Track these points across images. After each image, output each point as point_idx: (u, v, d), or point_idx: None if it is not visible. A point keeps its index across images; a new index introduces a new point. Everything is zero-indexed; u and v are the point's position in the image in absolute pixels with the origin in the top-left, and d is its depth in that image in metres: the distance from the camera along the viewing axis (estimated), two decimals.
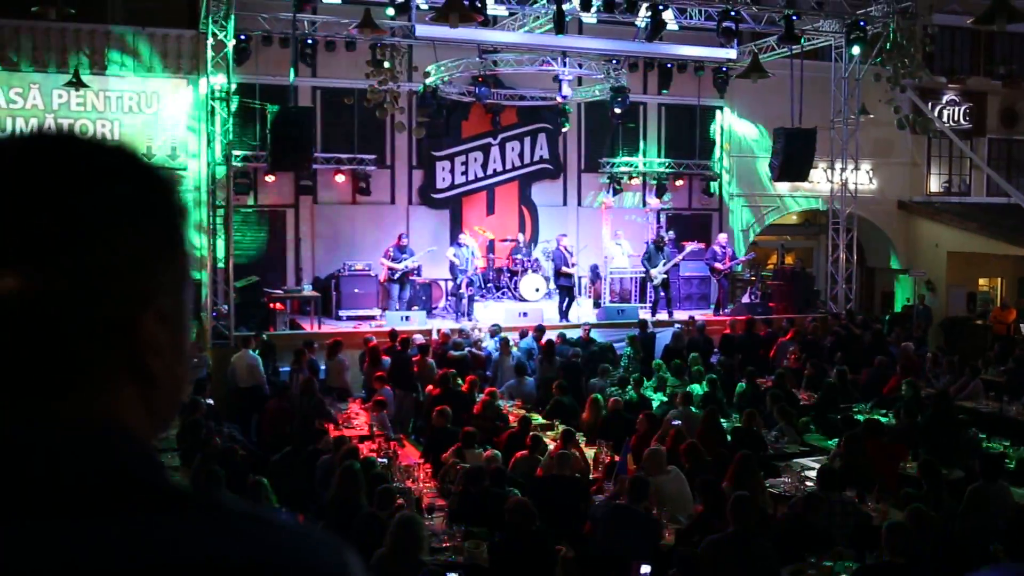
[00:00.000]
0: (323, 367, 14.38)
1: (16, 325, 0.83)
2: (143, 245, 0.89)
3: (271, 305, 16.96)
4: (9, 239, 0.83)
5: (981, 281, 23.69)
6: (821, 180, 21.14)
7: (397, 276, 17.44)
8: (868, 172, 22.44)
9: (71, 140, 0.89)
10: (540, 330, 15.69)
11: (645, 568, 6.25)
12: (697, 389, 12.79)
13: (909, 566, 6.29)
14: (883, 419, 11.87)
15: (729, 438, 10.74)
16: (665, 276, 18.54)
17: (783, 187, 21.54)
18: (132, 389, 0.89)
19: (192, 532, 0.83)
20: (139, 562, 0.79)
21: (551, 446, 9.73)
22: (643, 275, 19.39)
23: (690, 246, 19.63)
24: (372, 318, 17.24)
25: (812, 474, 9.51)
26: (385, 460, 9.64)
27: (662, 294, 18.62)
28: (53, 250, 0.84)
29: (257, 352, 14.23)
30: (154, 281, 0.89)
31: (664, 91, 20.58)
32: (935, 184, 24.38)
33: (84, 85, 16.71)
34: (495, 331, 15.67)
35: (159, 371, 0.90)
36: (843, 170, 20.43)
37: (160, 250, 0.90)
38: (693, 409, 11.55)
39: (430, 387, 13.33)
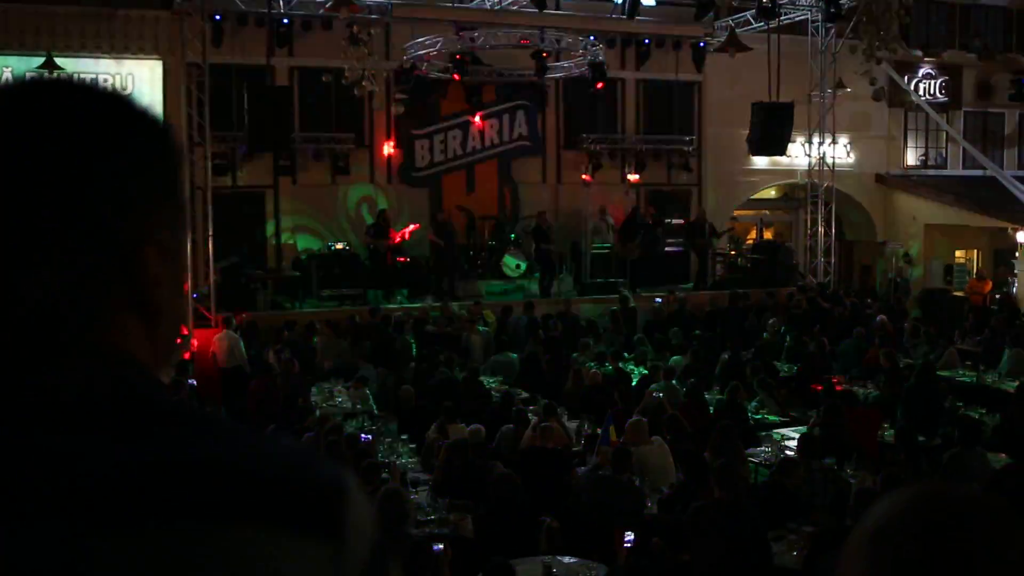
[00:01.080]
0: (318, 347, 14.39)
1: (27, 260, 0.87)
2: (145, 181, 0.93)
3: (252, 286, 16.91)
4: (20, 178, 0.87)
5: (958, 253, 23.91)
6: (799, 154, 21.24)
7: (382, 253, 17.47)
8: (845, 146, 22.56)
9: (71, 85, 0.93)
10: (529, 306, 15.77)
11: (629, 535, 6.33)
12: (678, 362, 12.90)
13: None
14: (862, 390, 12.03)
15: (712, 410, 10.85)
16: (639, 251, 18.63)
17: (761, 162, 21.60)
18: (136, 321, 0.93)
19: (200, 442, 0.87)
20: (150, 466, 0.83)
21: (533, 420, 9.78)
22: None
23: (669, 221, 19.77)
24: (353, 297, 17.22)
25: (792, 443, 9.64)
26: (369, 436, 9.69)
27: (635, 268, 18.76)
28: (61, 188, 0.87)
29: (239, 332, 14.23)
30: (155, 216, 0.93)
31: (642, 66, 20.61)
32: (912, 157, 24.54)
33: (58, 67, 16.53)
34: (477, 308, 15.74)
35: (161, 303, 0.94)
36: (820, 144, 20.55)
37: (160, 187, 0.95)
38: (674, 382, 11.65)
39: (411, 364, 13.42)
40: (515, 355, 14.04)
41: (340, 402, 11.96)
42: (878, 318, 16.31)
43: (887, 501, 0.96)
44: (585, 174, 20.66)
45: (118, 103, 0.94)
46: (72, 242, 0.88)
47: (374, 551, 0.92)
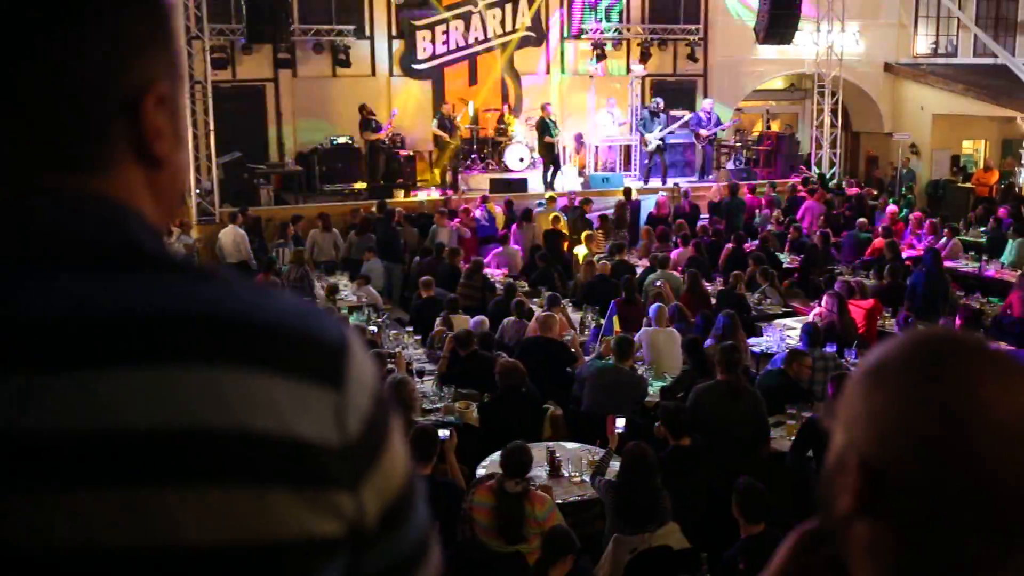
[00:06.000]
0: (308, 242, 14.37)
1: (31, 104, 0.88)
2: (140, 29, 0.93)
3: (255, 181, 16.86)
4: (18, 20, 0.87)
5: (965, 143, 23.65)
6: (806, 43, 20.83)
7: (379, 147, 17.39)
8: (854, 34, 22.10)
9: None
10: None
11: (620, 421, 6.48)
12: (682, 254, 12.95)
13: None
14: (865, 280, 12.07)
15: (714, 300, 10.92)
16: (660, 142, 18.51)
17: (767, 51, 21.19)
18: (138, 172, 0.93)
19: (199, 289, 0.88)
20: (148, 309, 0.85)
21: (537, 311, 9.86)
22: (627, 143, 19.43)
23: (676, 113, 19.54)
24: (357, 191, 17.18)
25: (794, 334, 9.74)
26: (374, 328, 9.79)
27: (656, 160, 18.64)
28: (61, 33, 0.87)
29: (244, 228, 14.24)
30: (152, 65, 0.93)
31: None
32: (922, 45, 24.06)
33: None
34: (482, 200, 15.71)
35: (162, 154, 0.94)
36: (829, 32, 20.17)
37: (154, 35, 0.94)
38: (675, 272, 11.72)
39: (416, 258, 13.48)
40: (517, 247, 14.08)
41: (345, 295, 12.05)
42: (887, 209, 16.29)
43: (886, 343, 0.97)
44: (589, 65, 20.33)
45: None
46: (77, 86, 0.88)
47: (376, 402, 0.93)
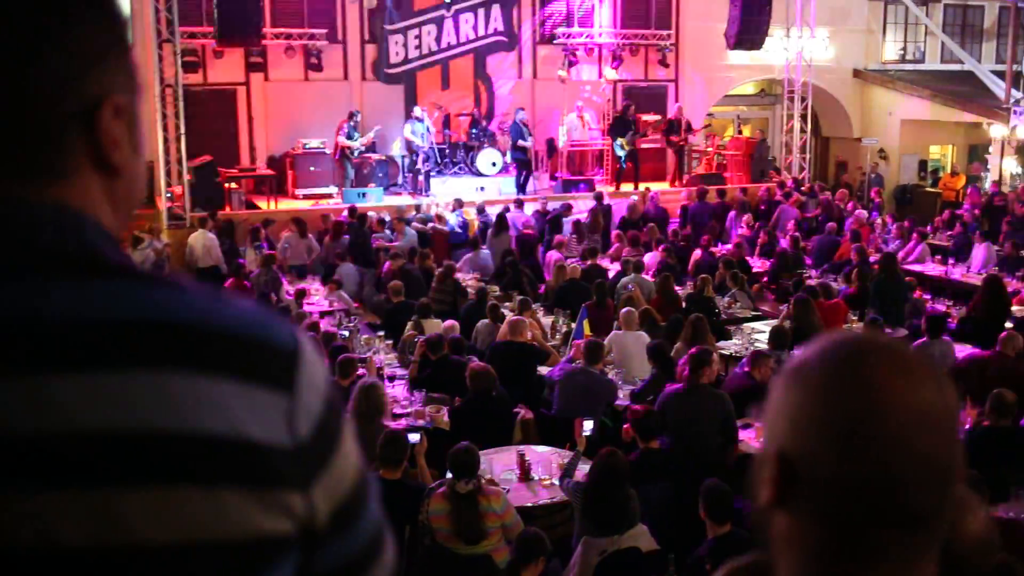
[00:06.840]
0: (280, 245, 14.32)
1: None
2: (96, 41, 0.95)
3: (226, 185, 16.78)
4: None
5: (932, 149, 23.94)
6: (776, 49, 21.01)
7: (356, 154, 17.38)
8: (824, 40, 22.31)
9: None
10: (520, 204, 15.77)
11: (588, 424, 6.54)
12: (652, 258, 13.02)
13: None
14: (833, 284, 12.19)
15: (683, 304, 10.99)
16: (632, 147, 18.60)
17: (738, 57, 21.33)
18: (96, 181, 0.95)
19: (153, 295, 0.90)
20: (102, 315, 0.87)
21: (509, 316, 9.89)
22: (600, 148, 19.50)
23: (646, 118, 19.64)
24: (329, 196, 17.16)
25: (763, 337, 9.82)
26: (346, 333, 9.78)
27: (627, 165, 18.72)
28: (16, 45, 0.89)
29: (215, 232, 14.17)
30: (108, 77, 0.95)
31: None
32: (890, 51, 24.33)
33: None
34: (457, 204, 15.73)
35: (119, 163, 0.96)
36: (799, 38, 20.34)
37: (110, 47, 0.96)
38: (646, 277, 11.79)
39: (388, 263, 13.44)
40: (488, 252, 14.11)
41: (317, 300, 12.03)
42: (855, 213, 16.45)
43: (808, 346, 1.02)
44: (561, 71, 20.40)
45: None
46: (33, 96, 0.90)
47: (327, 405, 0.96)
